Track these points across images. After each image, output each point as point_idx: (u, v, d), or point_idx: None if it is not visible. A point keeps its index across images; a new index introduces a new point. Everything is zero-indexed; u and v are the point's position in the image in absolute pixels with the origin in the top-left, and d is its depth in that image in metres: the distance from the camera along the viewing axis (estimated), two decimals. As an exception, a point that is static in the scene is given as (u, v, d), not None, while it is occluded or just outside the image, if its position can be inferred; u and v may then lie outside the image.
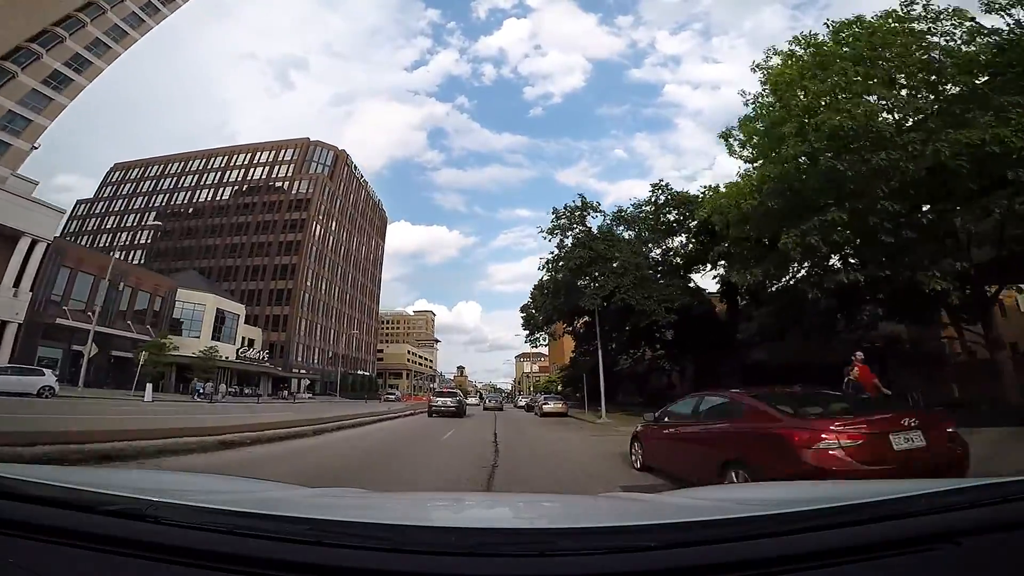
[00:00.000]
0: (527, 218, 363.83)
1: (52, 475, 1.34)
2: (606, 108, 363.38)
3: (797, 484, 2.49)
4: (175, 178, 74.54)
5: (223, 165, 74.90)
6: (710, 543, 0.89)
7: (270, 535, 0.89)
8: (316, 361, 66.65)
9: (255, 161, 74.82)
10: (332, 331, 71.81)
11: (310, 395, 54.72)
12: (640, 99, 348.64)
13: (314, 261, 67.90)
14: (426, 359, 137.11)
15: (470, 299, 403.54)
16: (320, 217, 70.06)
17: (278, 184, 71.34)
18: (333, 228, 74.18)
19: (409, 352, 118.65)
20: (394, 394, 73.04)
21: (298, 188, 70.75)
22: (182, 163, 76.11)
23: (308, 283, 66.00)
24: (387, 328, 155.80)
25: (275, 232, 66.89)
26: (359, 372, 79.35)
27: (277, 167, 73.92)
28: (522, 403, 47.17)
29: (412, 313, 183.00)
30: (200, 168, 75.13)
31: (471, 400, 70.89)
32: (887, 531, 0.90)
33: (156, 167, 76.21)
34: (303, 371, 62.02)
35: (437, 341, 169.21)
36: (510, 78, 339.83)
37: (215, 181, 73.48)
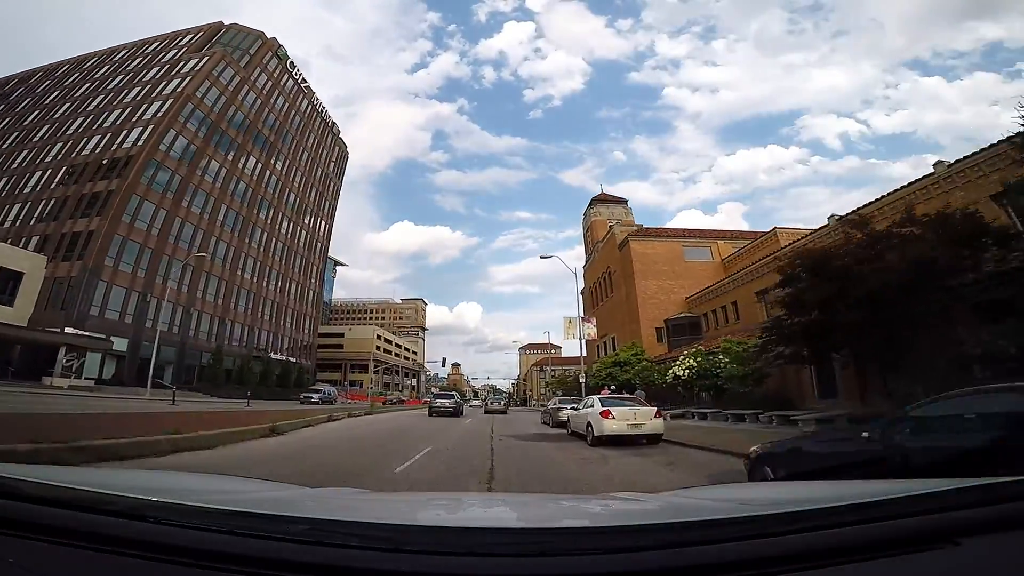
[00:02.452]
0: (527, 220, 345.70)
1: (52, 475, 1.30)
2: (605, 111, 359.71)
3: (797, 484, 2.62)
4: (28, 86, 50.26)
5: (95, 64, 50.10)
6: (710, 543, 0.87)
7: (270, 535, 0.87)
8: (172, 325, 39.22)
9: (140, 53, 49.58)
10: (220, 282, 44.77)
11: (77, 380, 27.30)
12: (639, 101, 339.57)
13: (181, 163, 41.04)
14: (407, 350, 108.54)
15: (471, 300, 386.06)
16: (205, 101, 43.37)
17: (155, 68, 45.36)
18: (227, 129, 47.28)
19: (379, 338, 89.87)
20: (321, 390, 46.15)
21: (180, 69, 44.51)
22: (43, 73, 51.75)
23: (160, 192, 38.86)
24: (370, 318, 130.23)
25: (120, 110, 40.36)
26: (274, 356, 52.17)
27: (165, 53, 48.13)
28: (584, 417, 12.43)
29: (399, 301, 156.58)
30: (65, 72, 50.46)
31: (474, 402, 57.23)
32: (887, 531, 0.89)
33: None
34: (108, 337, 32.37)
35: (423, 329, 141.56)
36: (510, 80, 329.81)
37: (79, 79, 48.16)
